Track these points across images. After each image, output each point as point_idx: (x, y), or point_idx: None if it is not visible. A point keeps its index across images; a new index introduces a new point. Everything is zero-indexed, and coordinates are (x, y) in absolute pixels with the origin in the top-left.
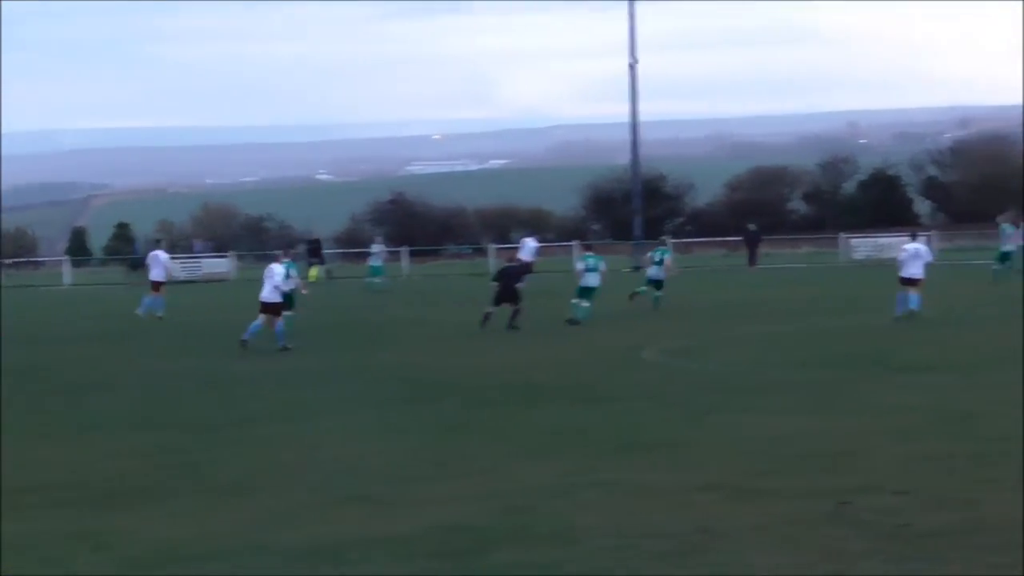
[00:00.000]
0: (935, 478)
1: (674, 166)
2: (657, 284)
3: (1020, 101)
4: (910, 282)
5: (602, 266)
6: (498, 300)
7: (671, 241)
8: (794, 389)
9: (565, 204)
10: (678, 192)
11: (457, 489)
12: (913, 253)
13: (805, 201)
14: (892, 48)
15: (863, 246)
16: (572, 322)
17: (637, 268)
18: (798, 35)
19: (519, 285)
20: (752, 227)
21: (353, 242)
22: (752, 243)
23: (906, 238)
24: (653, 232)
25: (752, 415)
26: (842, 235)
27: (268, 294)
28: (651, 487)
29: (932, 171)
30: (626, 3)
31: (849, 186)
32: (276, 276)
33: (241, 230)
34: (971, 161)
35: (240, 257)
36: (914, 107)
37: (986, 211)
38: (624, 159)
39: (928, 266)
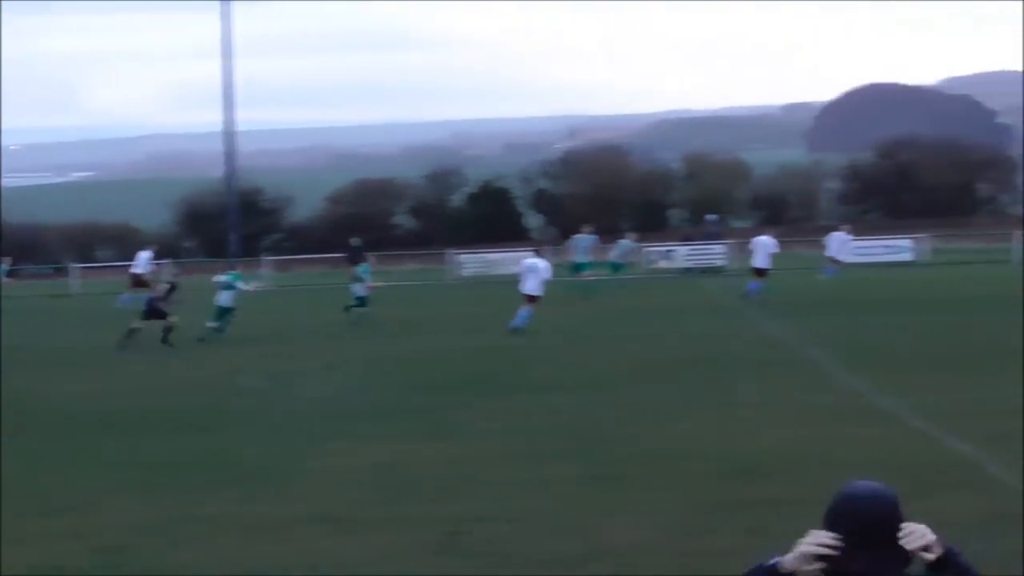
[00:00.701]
0: (553, 504)
1: (272, 178)
2: (362, 301)
3: (627, 111)
4: (527, 298)
5: (237, 283)
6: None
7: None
8: (405, 414)
9: (155, 219)
10: (276, 206)
11: (45, 528)
12: (529, 268)
13: (412, 215)
14: (497, 56)
15: (471, 262)
16: (216, 332)
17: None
18: (400, 40)
19: (172, 295)
20: (355, 242)
21: None
22: (355, 260)
23: (515, 253)
24: (251, 249)
25: (360, 442)
26: (449, 251)
27: None
28: (254, 521)
29: (543, 183)
30: (219, 3)
31: (457, 199)
32: None
33: None
34: (582, 172)
35: None
36: (523, 117)
37: (598, 223)
38: (220, 171)
39: (545, 283)
